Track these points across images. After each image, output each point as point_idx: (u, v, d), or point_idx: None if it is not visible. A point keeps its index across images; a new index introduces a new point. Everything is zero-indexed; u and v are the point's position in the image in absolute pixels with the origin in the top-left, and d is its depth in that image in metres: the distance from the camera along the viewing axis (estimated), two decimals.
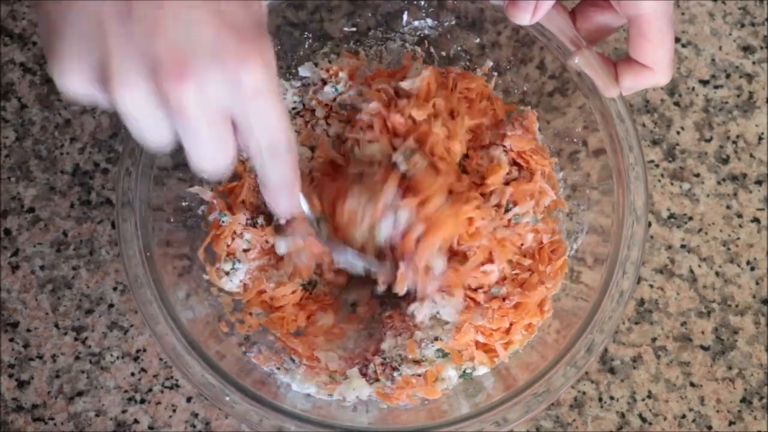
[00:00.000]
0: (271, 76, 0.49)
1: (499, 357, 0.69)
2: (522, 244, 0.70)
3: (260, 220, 0.70)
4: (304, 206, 0.63)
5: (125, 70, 0.46)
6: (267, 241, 0.70)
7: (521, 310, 0.68)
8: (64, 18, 0.47)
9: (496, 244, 0.68)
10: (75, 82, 0.48)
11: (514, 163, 0.72)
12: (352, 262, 0.67)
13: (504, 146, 0.71)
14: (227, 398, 0.63)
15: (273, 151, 0.52)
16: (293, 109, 0.74)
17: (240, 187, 0.71)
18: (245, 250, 0.70)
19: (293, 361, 0.69)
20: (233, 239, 0.70)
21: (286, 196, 0.57)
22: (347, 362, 0.70)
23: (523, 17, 0.64)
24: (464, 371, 0.69)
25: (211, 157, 0.51)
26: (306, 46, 0.75)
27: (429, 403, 0.68)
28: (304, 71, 0.75)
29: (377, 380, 0.68)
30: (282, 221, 0.65)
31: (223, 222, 0.69)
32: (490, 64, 0.75)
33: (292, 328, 0.70)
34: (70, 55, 0.47)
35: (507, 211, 0.69)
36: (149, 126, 0.49)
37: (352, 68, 0.74)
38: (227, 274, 0.69)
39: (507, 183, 0.71)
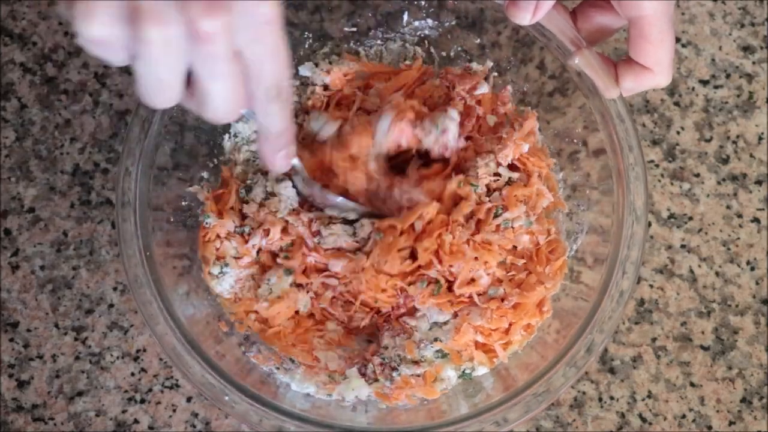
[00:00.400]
0: (278, 12, 0.51)
1: (498, 357, 0.69)
2: (515, 247, 0.70)
3: (247, 228, 0.70)
4: (296, 161, 0.66)
5: (157, 7, 0.47)
6: (255, 251, 0.70)
7: (520, 310, 0.68)
8: None
9: (482, 251, 0.68)
10: (102, 22, 0.48)
11: (511, 165, 0.72)
12: (343, 206, 0.70)
13: (498, 161, 0.71)
14: (227, 398, 0.63)
15: (277, 92, 0.54)
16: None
17: (228, 193, 0.71)
18: (235, 257, 0.70)
19: (292, 361, 0.69)
20: (222, 243, 0.70)
21: (284, 146, 0.59)
22: (346, 362, 0.70)
23: (524, 17, 0.63)
24: (463, 371, 0.69)
25: (225, 97, 0.52)
26: (306, 46, 0.75)
27: (428, 403, 0.68)
28: (304, 71, 0.75)
29: (376, 380, 0.68)
30: (277, 172, 0.67)
31: (207, 224, 0.69)
32: (490, 64, 0.75)
33: (289, 340, 0.70)
34: None
35: (497, 216, 0.69)
36: (167, 71, 0.50)
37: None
38: (217, 277, 0.69)
39: (500, 189, 0.71)
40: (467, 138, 0.72)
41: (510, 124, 0.73)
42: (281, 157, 0.60)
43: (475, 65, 0.75)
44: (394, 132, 0.70)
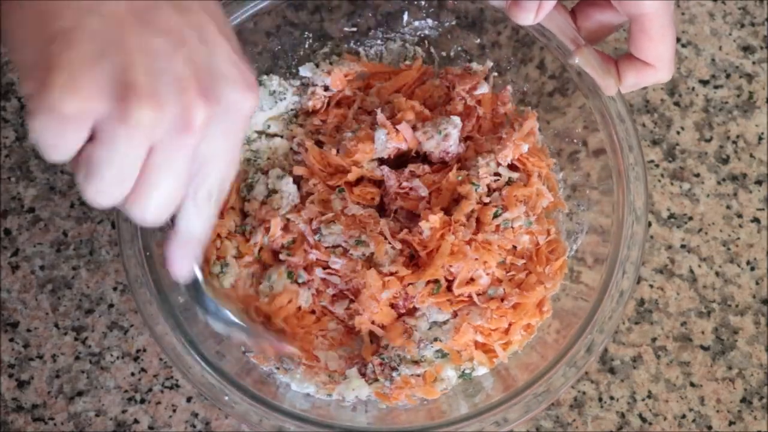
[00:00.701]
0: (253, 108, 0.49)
1: (498, 357, 0.69)
2: (514, 247, 0.70)
3: (248, 227, 0.70)
4: (198, 272, 0.58)
5: (155, 88, 0.43)
6: (256, 249, 0.70)
7: (520, 310, 0.68)
8: (77, 22, 0.42)
9: (482, 251, 0.68)
10: (88, 98, 0.42)
11: (511, 165, 0.72)
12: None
13: (498, 162, 0.71)
14: (227, 398, 0.63)
15: (213, 196, 0.50)
16: (291, 109, 0.74)
17: (229, 192, 0.71)
18: (235, 257, 0.70)
19: (293, 360, 0.69)
20: (222, 242, 0.70)
21: (196, 251, 0.53)
22: (346, 362, 0.70)
23: (526, 17, 0.63)
24: (463, 372, 0.69)
25: (168, 196, 0.48)
26: (306, 46, 0.75)
27: (428, 403, 0.68)
28: (304, 71, 0.75)
29: (376, 380, 0.68)
30: (178, 280, 0.59)
31: None
32: (490, 64, 0.75)
33: (290, 341, 0.70)
34: (86, 65, 0.42)
35: (496, 216, 0.69)
36: (132, 160, 0.45)
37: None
38: (217, 276, 0.69)
39: (500, 189, 0.71)
40: (467, 138, 0.72)
41: (510, 124, 0.73)
42: (188, 262, 0.54)
43: (475, 65, 0.75)
44: (392, 141, 0.70)
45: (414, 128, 0.71)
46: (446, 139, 0.70)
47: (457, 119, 0.71)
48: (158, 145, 0.45)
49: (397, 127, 0.70)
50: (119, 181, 0.46)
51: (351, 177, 0.71)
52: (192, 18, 0.46)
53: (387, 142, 0.70)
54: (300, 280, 0.69)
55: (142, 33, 0.44)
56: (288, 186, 0.70)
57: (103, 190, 0.46)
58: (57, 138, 0.44)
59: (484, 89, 0.73)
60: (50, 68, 0.42)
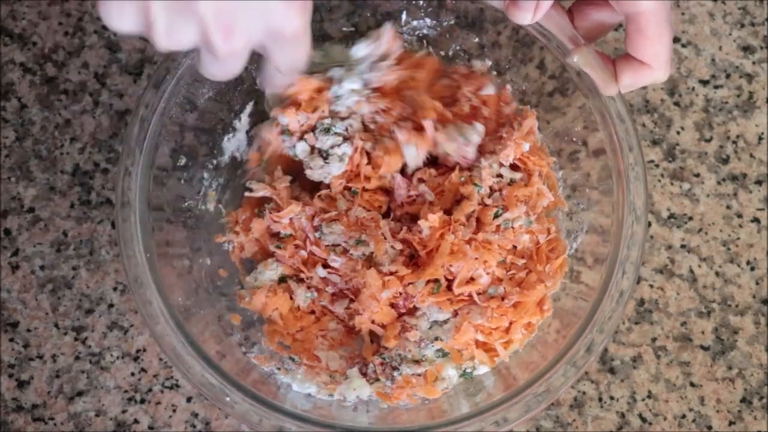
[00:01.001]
0: (307, 21, 0.55)
1: (499, 356, 0.69)
2: (515, 246, 0.70)
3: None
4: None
5: (172, 26, 0.51)
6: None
7: (520, 309, 0.68)
8: None
9: (482, 251, 0.68)
10: (122, 23, 0.51)
11: (512, 165, 0.71)
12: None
13: (500, 162, 0.71)
14: (227, 398, 0.63)
15: (291, 69, 0.60)
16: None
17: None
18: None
19: (293, 360, 0.69)
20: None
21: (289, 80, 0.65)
22: (347, 362, 0.70)
23: (524, 17, 0.63)
24: (464, 371, 0.69)
25: (227, 71, 0.56)
26: None
27: (429, 403, 0.68)
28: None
29: (377, 380, 0.68)
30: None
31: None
32: (488, 63, 0.74)
33: (287, 340, 0.70)
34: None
35: (497, 216, 0.69)
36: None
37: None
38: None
39: (500, 189, 0.71)
40: None
41: (509, 123, 0.73)
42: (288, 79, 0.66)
43: (477, 63, 0.74)
44: (422, 148, 0.70)
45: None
46: (467, 145, 0.70)
47: (481, 127, 0.70)
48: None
49: (424, 123, 0.70)
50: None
51: (371, 185, 0.71)
52: None
53: (418, 154, 0.70)
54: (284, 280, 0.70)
55: None
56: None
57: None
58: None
59: (489, 90, 0.73)
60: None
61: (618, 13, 0.63)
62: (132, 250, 0.64)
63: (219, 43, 0.52)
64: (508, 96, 0.73)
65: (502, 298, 0.68)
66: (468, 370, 0.69)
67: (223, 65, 0.55)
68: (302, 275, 0.70)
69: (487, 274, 0.68)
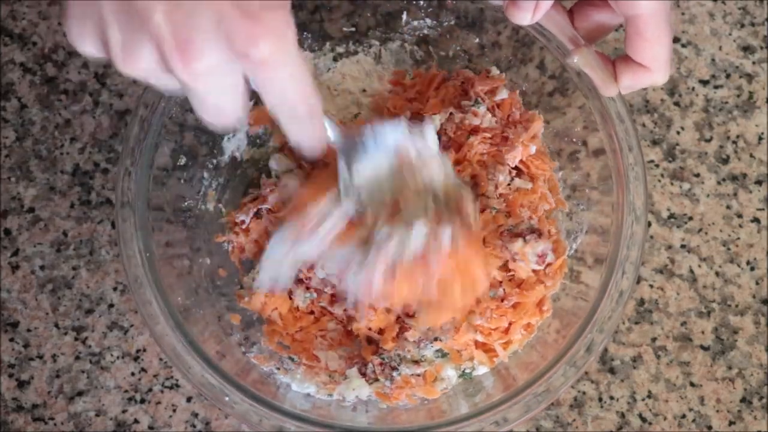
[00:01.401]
0: (285, 48, 0.49)
1: (498, 357, 0.69)
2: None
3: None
4: (331, 133, 0.61)
5: (126, 46, 0.48)
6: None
7: (520, 309, 0.68)
8: None
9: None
10: (84, 44, 0.49)
11: (515, 168, 0.72)
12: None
13: (509, 165, 0.71)
14: (227, 398, 0.63)
15: (292, 114, 0.53)
16: None
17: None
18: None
19: (293, 360, 0.69)
20: None
21: (312, 147, 0.58)
22: (347, 362, 0.70)
23: (524, 17, 0.63)
24: (464, 371, 0.69)
25: (217, 112, 0.52)
26: (306, 46, 0.75)
27: (428, 403, 0.68)
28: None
29: (376, 380, 0.68)
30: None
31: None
32: (497, 71, 0.74)
33: (286, 340, 0.70)
34: (73, 17, 0.49)
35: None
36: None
37: None
38: None
39: (506, 195, 0.71)
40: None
41: (513, 125, 0.73)
42: (309, 152, 0.58)
43: (495, 70, 0.74)
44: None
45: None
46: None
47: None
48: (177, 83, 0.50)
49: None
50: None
51: None
52: None
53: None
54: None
55: None
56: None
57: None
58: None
59: (503, 95, 0.73)
60: (65, 17, 0.49)
61: (619, 14, 0.63)
62: (132, 250, 0.64)
63: (178, 67, 0.48)
64: (518, 101, 0.73)
65: (502, 299, 0.68)
66: (467, 371, 0.69)
67: (204, 105, 0.51)
68: (301, 276, 0.70)
69: (488, 277, 0.68)
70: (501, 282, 0.69)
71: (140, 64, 0.48)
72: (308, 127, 0.55)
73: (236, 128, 0.53)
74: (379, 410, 0.68)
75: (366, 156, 0.62)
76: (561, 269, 0.70)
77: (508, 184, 0.71)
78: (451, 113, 0.71)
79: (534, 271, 0.69)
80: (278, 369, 0.69)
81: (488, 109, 0.72)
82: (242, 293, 0.71)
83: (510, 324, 0.68)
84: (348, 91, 0.77)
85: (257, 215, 0.71)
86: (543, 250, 0.68)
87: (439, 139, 0.70)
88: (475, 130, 0.71)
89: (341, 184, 0.62)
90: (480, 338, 0.68)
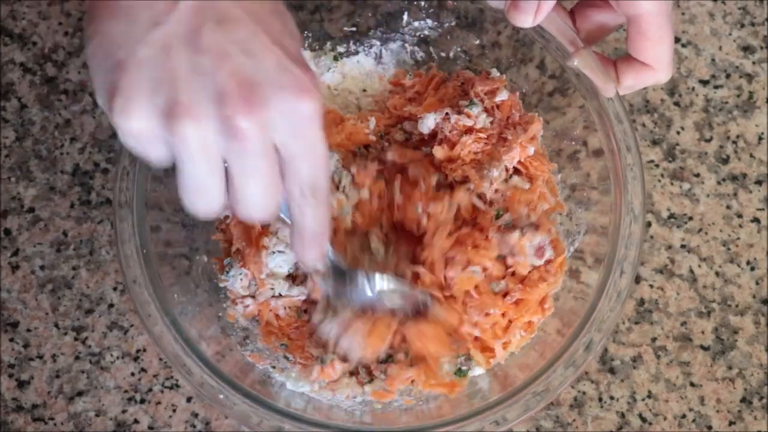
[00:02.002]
0: (321, 109, 0.50)
1: (495, 358, 0.68)
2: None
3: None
4: (331, 255, 0.62)
5: (194, 104, 0.47)
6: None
7: (522, 306, 0.68)
8: (131, 52, 0.47)
9: (473, 254, 0.68)
10: (141, 119, 0.47)
11: (513, 169, 0.72)
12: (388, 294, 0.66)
13: (506, 165, 0.71)
14: (226, 399, 0.63)
15: (314, 191, 0.52)
16: None
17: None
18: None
19: (287, 359, 0.69)
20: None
21: (319, 245, 0.56)
22: None
23: (525, 19, 0.63)
24: (459, 368, 0.69)
25: (260, 195, 0.51)
26: (306, 46, 0.75)
27: (427, 403, 0.68)
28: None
29: (371, 381, 0.68)
30: (309, 270, 0.65)
31: None
32: (497, 73, 0.74)
33: (282, 339, 0.70)
34: (138, 91, 0.47)
35: (498, 217, 0.69)
36: (206, 171, 0.49)
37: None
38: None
39: (504, 192, 0.71)
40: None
41: (512, 127, 0.73)
42: (314, 255, 0.56)
43: (495, 72, 0.74)
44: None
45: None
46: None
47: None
48: (227, 155, 0.48)
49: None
50: (204, 191, 0.50)
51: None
52: (236, 33, 0.48)
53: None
54: None
55: (186, 55, 0.47)
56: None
57: (195, 201, 0.50)
58: (139, 148, 0.49)
59: (503, 96, 0.73)
60: (111, 94, 0.47)
61: (620, 14, 0.63)
62: (130, 251, 0.64)
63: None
64: (518, 103, 0.73)
65: (504, 295, 0.68)
66: (463, 368, 0.69)
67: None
68: (296, 273, 0.70)
69: (484, 270, 0.68)
70: (503, 277, 0.69)
71: (201, 128, 0.48)
72: (324, 208, 0.54)
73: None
74: (376, 410, 0.68)
75: (348, 300, 0.65)
76: (561, 266, 0.70)
77: (505, 181, 0.71)
78: (447, 113, 0.71)
79: (535, 267, 0.69)
80: (273, 368, 0.69)
81: (487, 110, 0.72)
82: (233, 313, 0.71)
83: (510, 322, 0.68)
84: (348, 91, 0.77)
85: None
86: (540, 242, 0.68)
87: (434, 137, 0.71)
88: (469, 131, 0.71)
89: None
90: (478, 333, 0.68)
